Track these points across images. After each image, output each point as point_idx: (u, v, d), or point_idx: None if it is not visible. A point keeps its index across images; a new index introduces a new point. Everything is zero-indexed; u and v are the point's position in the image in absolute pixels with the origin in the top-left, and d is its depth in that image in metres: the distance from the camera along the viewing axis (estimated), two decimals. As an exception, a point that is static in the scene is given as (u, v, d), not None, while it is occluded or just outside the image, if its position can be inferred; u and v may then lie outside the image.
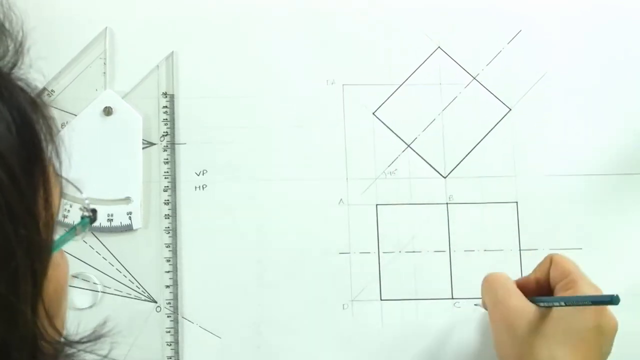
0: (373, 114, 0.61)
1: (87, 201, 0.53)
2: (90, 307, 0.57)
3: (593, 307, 0.49)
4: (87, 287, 0.58)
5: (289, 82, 0.62)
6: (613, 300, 0.47)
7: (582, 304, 0.49)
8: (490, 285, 0.53)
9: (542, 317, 0.50)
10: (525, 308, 0.50)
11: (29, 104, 0.31)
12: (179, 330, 0.58)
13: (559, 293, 0.51)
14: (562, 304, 0.49)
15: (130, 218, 0.58)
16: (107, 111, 0.59)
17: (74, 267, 0.53)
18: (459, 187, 0.61)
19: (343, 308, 0.59)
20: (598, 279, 0.59)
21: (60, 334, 0.33)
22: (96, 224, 0.57)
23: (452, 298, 0.59)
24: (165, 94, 0.61)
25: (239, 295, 0.58)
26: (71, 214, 0.56)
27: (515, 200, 0.61)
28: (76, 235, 0.38)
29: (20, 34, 0.33)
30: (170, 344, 0.57)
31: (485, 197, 0.61)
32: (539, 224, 0.60)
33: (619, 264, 0.60)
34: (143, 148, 0.60)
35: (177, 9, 0.62)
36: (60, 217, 0.33)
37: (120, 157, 0.59)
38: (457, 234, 0.60)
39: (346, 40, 0.62)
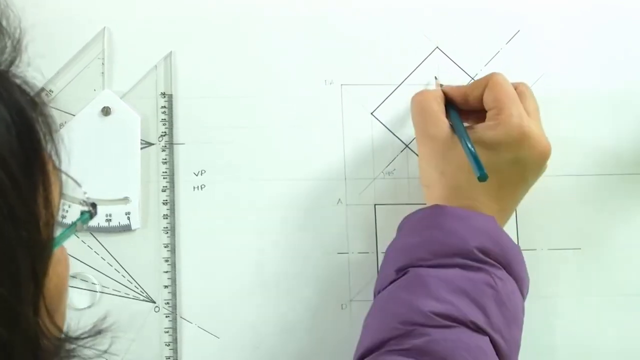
0: (371, 114, 0.61)
1: (86, 195, 0.53)
2: (89, 307, 0.57)
3: (509, 141, 0.50)
4: (86, 287, 0.58)
5: (287, 82, 0.61)
6: (480, 177, 0.48)
7: (469, 158, 0.50)
8: (417, 107, 0.55)
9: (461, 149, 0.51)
10: (447, 137, 0.52)
11: (28, 103, 0.31)
12: (178, 330, 0.57)
13: (489, 120, 0.52)
14: (464, 145, 0.50)
15: (128, 218, 0.58)
16: (106, 111, 0.59)
17: (72, 267, 0.53)
18: (458, 187, 0.60)
19: (342, 308, 0.59)
20: (598, 279, 0.60)
21: (60, 330, 0.33)
22: (95, 224, 0.57)
23: (451, 298, 0.59)
24: (163, 94, 0.61)
25: (238, 295, 0.58)
26: (69, 214, 0.55)
27: (514, 200, 0.61)
28: (77, 231, 0.38)
29: (18, 31, 0.32)
30: (169, 344, 0.57)
31: (484, 197, 0.60)
32: (538, 223, 0.60)
33: (618, 263, 0.60)
34: (141, 148, 0.60)
35: (176, 9, 0.62)
36: (59, 218, 0.33)
37: (119, 157, 0.59)
38: (455, 234, 0.60)
39: (345, 41, 0.62)
